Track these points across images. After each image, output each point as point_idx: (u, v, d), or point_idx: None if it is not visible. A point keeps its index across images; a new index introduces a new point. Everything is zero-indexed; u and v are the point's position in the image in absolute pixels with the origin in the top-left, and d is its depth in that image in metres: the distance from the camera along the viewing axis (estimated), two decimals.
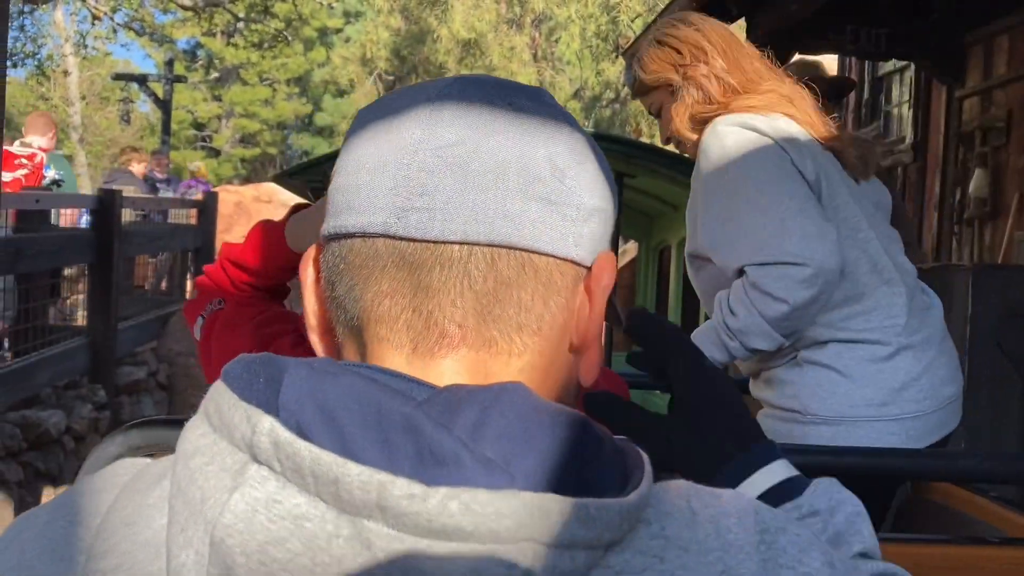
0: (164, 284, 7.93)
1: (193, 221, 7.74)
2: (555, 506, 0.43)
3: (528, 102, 0.55)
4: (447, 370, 0.52)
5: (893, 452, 1.27)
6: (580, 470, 0.46)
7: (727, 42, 1.73)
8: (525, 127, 0.54)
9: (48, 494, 4.72)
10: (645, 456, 0.49)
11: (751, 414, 0.69)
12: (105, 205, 5.39)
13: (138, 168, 8.21)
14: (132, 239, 6.05)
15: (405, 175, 0.52)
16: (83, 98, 23.80)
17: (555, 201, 0.53)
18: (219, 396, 0.47)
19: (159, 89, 16.20)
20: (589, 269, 0.56)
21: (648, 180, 3.31)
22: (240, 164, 28.29)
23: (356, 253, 0.53)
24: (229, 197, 9.55)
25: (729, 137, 1.64)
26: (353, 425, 0.44)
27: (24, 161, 5.92)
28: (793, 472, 0.66)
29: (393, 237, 0.52)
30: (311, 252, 0.58)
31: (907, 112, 6.18)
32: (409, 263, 0.52)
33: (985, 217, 5.12)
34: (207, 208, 7.79)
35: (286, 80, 28.64)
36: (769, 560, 0.49)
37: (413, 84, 0.60)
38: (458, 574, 0.42)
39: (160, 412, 5.90)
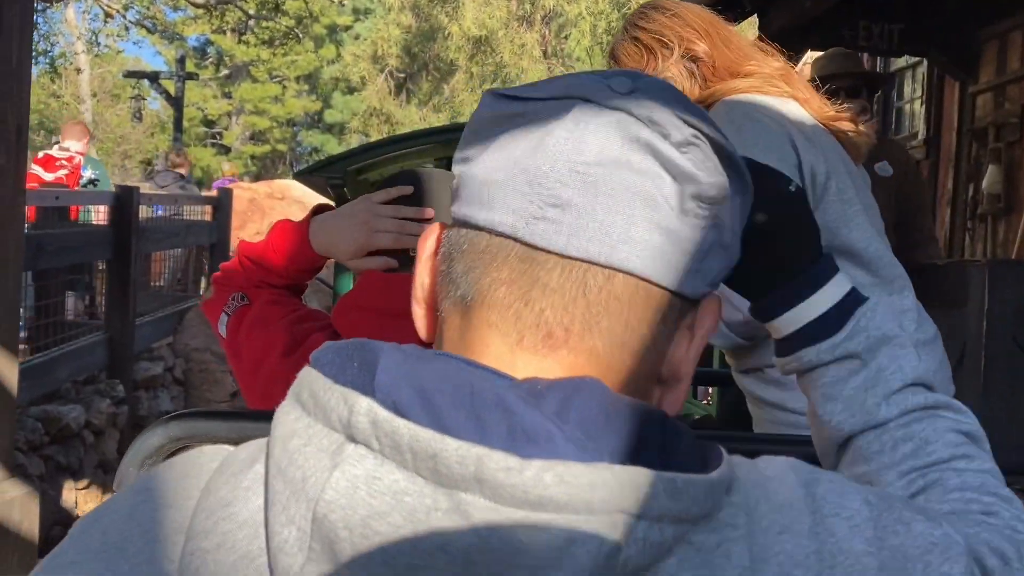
0: (180, 281, 7.99)
1: (208, 218, 7.79)
2: (645, 479, 0.45)
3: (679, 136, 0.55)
4: (546, 368, 0.53)
5: None
6: (662, 453, 0.48)
7: (707, 23, 1.60)
8: (665, 159, 0.54)
9: (69, 487, 4.77)
10: (721, 447, 0.52)
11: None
12: (122, 202, 5.44)
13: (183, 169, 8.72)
14: (149, 235, 6.10)
15: (542, 183, 0.53)
16: (94, 95, 23.89)
17: (677, 234, 0.54)
18: (312, 381, 0.48)
19: (171, 86, 16.26)
20: (695, 305, 0.58)
21: None
22: (250, 161, 28.36)
23: (482, 239, 0.55)
24: (243, 194, 9.60)
25: (742, 128, 1.54)
26: (447, 405, 0.46)
27: (64, 163, 6.75)
28: (847, 287, 0.71)
29: (519, 241, 0.53)
30: (434, 228, 0.60)
31: (920, 108, 6.18)
32: (532, 259, 0.53)
33: (999, 213, 5.12)
34: (222, 204, 7.83)
35: (296, 77, 28.66)
36: (816, 512, 0.51)
37: (564, 75, 0.60)
38: (553, 544, 0.43)
39: (177, 407, 5.95)
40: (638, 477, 0.45)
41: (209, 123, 29.64)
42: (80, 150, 7.04)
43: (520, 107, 0.56)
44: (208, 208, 7.82)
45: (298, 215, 1.44)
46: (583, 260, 0.53)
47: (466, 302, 0.55)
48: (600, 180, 0.53)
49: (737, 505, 0.50)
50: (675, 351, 0.57)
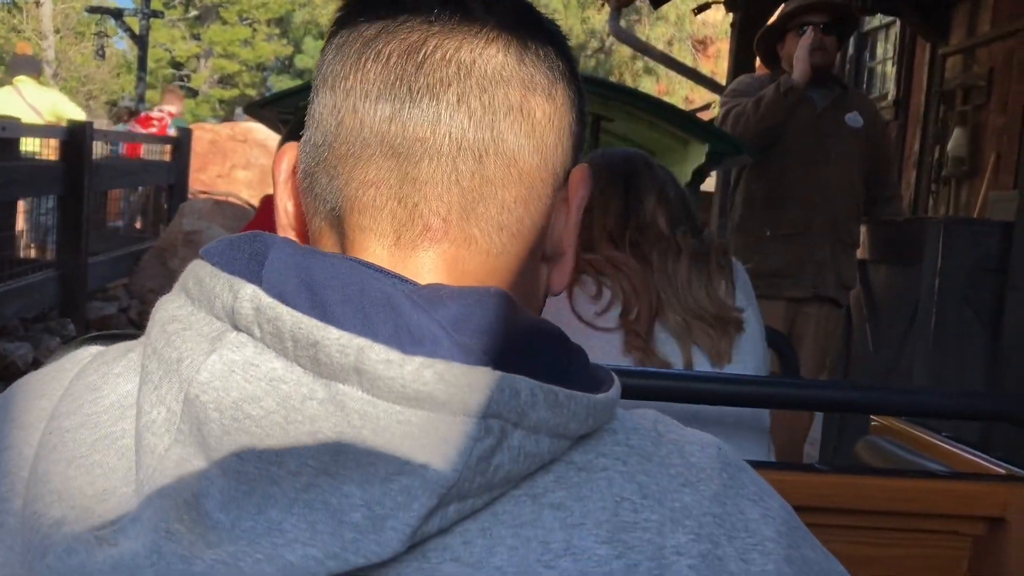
0: (138, 222, 7.84)
1: (167, 158, 7.63)
2: (526, 387, 0.45)
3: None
4: (427, 263, 0.53)
5: (843, 385, 1.27)
6: (552, 369, 0.48)
7: None
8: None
9: None
10: (615, 376, 0.52)
11: None
12: (75, 137, 5.29)
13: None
14: (103, 173, 5.96)
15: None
16: (57, 32, 23.25)
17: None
18: (199, 269, 0.48)
19: (135, 24, 15.85)
20: (566, 180, 0.58)
21: (626, 124, 3.26)
22: (218, 105, 27.87)
23: (342, 141, 0.54)
24: (204, 135, 9.40)
25: None
26: (335, 299, 0.45)
27: (155, 123, 8.49)
28: None
29: (383, 137, 0.53)
30: (286, 149, 0.59)
31: (891, 69, 6.16)
32: (397, 153, 0.53)
33: (962, 176, 5.14)
34: (181, 145, 7.67)
35: (267, 20, 28.10)
36: (731, 488, 0.50)
37: None
38: (426, 441, 0.43)
39: None
40: (519, 384, 0.45)
41: (177, 65, 29.00)
42: (173, 112, 8.74)
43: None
44: (167, 148, 7.65)
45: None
46: (452, 147, 0.53)
47: (336, 213, 0.55)
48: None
49: (629, 446, 0.49)
50: (555, 226, 0.58)
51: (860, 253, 3.38)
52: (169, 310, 0.48)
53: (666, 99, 16.28)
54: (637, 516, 0.47)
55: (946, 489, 1.22)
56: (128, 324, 6.25)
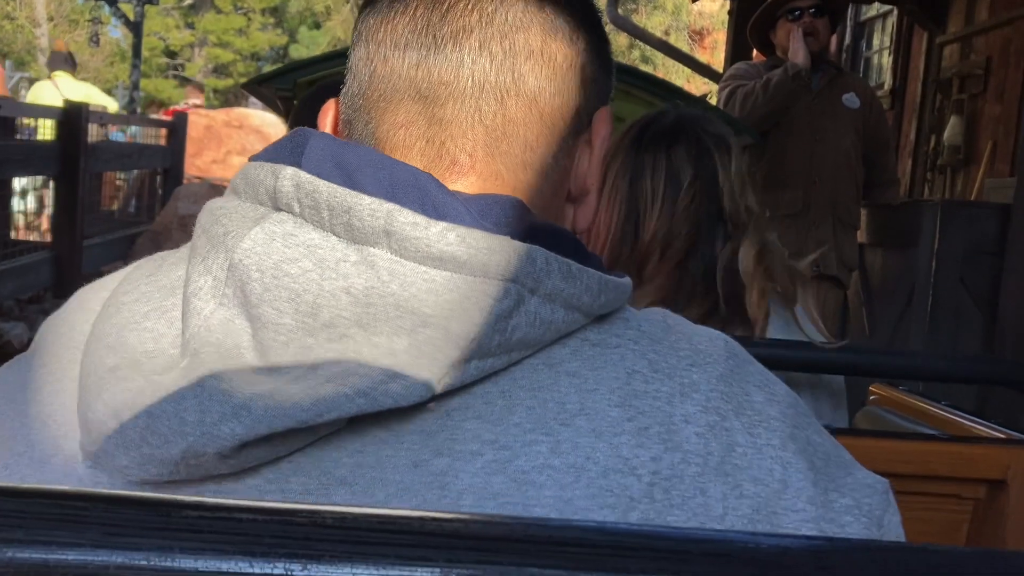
0: (133, 206, 7.81)
1: (163, 142, 7.60)
2: (541, 256, 0.49)
3: None
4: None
5: (843, 348, 1.27)
6: (568, 253, 0.51)
7: None
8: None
9: None
10: (630, 281, 0.55)
11: None
12: (71, 118, 5.27)
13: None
14: (99, 155, 5.94)
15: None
16: (51, 19, 23.11)
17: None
18: (246, 167, 0.52)
19: (130, 11, 15.76)
20: (590, 122, 0.60)
21: (624, 105, 3.26)
22: (212, 95, 27.77)
23: (374, 88, 0.57)
24: (199, 120, 9.35)
25: None
26: (367, 180, 0.49)
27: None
28: None
29: (411, 81, 0.56)
30: (329, 105, 0.62)
31: (887, 59, 6.16)
32: (424, 97, 0.56)
33: (958, 165, 5.14)
34: (177, 129, 7.64)
35: (261, 10, 27.97)
36: (737, 373, 0.53)
37: None
38: (448, 298, 0.46)
39: None
40: (535, 253, 0.48)
41: (171, 54, 28.87)
42: (199, 104, 9.92)
43: None
44: (163, 132, 7.62)
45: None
46: (475, 89, 0.56)
47: None
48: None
49: (640, 330, 0.53)
50: (578, 166, 0.60)
51: (858, 237, 3.39)
52: (217, 202, 0.52)
53: None
54: (648, 386, 0.50)
55: (947, 452, 1.23)
56: None
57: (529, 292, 0.48)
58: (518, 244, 0.48)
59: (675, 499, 0.48)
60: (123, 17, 16.11)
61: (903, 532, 0.54)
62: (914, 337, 3.03)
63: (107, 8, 17.50)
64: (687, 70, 8.65)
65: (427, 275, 0.46)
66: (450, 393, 0.48)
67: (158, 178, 7.57)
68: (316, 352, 0.46)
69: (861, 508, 0.51)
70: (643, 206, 1.31)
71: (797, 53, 3.13)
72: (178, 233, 6.18)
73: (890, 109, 5.90)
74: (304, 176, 0.48)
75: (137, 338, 0.50)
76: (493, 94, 0.56)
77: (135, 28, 15.59)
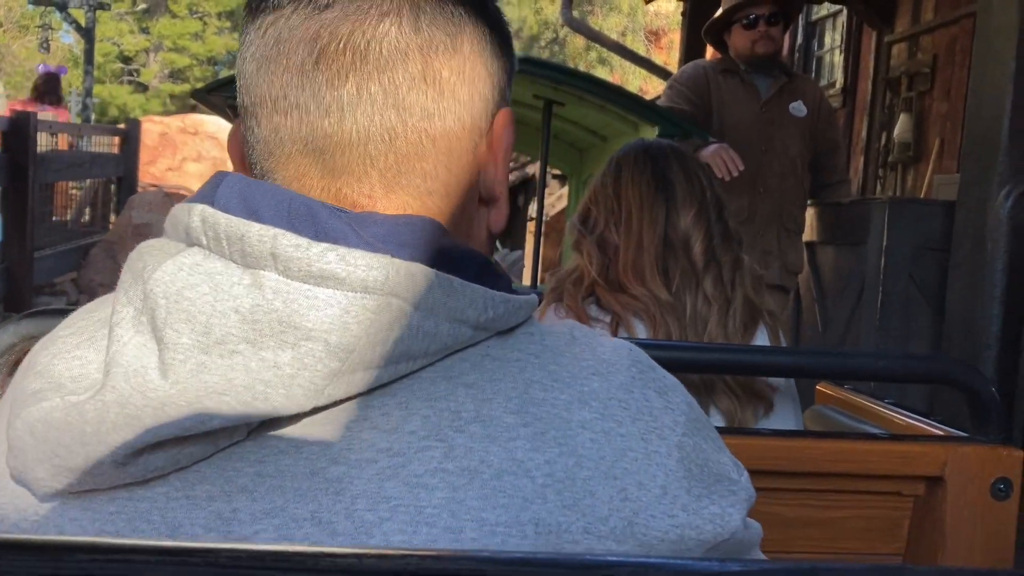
0: (87, 215, 7.68)
1: (115, 150, 7.48)
2: (421, 273, 0.51)
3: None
4: None
5: (786, 351, 1.29)
6: (466, 275, 0.53)
7: None
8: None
9: None
10: (536, 298, 0.58)
11: None
12: (19, 127, 5.17)
13: None
14: (49, 164, 5.83)
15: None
16: (0, 25, 22.68)
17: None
18: (173, 209, 0.55)
19: (81, 17, 15.50)
20: (490, 126, 0.60)
21: (577, 109, 3.28)
22: (169, 100, 27.39)
23: (264, 144, 0.58)
24: (154, 127, 9.22)
25: None
26: (266, 214, 0.52)
27: None
28: None
29: (299, 135, 0.57)
30: (236, 129, 0.63)
31: (839, 58, 6.26)
32: (312, 150, 0.57)
33: (908, 161, 5.24)
34: (130, 136, 7.52)
35: (217, 14, 27.68)
36: (638, 380, 0.56)
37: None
38: (329, 313, 0.49)
39: None
40: (415, 269, 0.50)
41: (126, 59, 28.46)
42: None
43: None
44: (116, 139, 7.50)
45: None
46: (359, 136, 0.56)
47: None
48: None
49: (544, 344, 0.55)
50: (485, 174, 0.61)
51: (808, 235, 3.43)
52: (147, 242, 0.55)
53: None
54: (546, 395, 0.53)
55: (886, 450, 1.25)
56: None
57: (411, 306, 0.50)
58: (398, 262, 0.50)
59: (567, 500, 0.51)
60: (74, 23, 15.84)
61: (757, 541, 0.59)
62: (865, 334, 3.07)
63: (58, 14, 17.19)
64: (643, 71, 8.70)
65: (309, 292, 0.49)
66: (350, 405, 0.51)
67: (112, 187, 7.45)
68: (209, 367, 0.49)
69: (723, 517, 0.55)
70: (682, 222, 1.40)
71: (718, 168, 2.89)
72: (132, 242, 6.06)
73: (842, 107, 5.99)
74: (209, 211, 0.52)
75: (65, 365, 0.54)
76: (380, 137, 0.56)
77: (87, 34, 15.34)
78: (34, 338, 1.15)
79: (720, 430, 1.28)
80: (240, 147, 0.62)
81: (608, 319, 1.35)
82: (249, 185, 0.54)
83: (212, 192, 0.54)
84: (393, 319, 0.50)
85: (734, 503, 0.56)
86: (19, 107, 6.54)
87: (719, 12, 3.48)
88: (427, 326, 0.51)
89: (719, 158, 2.87)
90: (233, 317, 0.50)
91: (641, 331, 1.34)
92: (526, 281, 3.63)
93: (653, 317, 1.34)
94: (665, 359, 1.26)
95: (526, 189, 10.99)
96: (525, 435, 0.51)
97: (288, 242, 0.50)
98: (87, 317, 0.57)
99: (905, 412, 1.45)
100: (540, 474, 0.50)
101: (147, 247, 0.54)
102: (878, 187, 5.57)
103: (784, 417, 1.42)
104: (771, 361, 1.28)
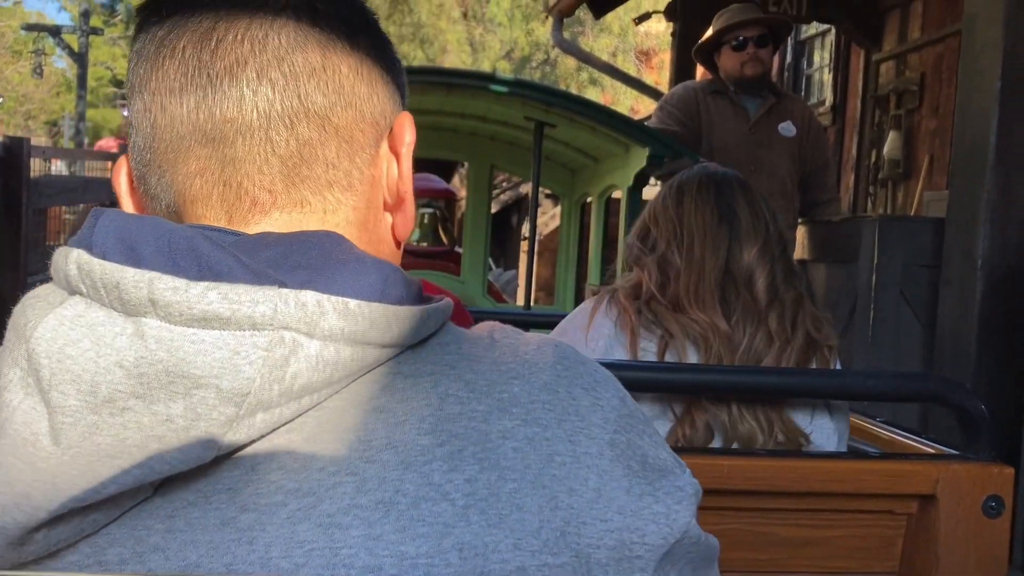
0: None
1: (108, 174, 7.48)
2: (312, 299, 0.48)
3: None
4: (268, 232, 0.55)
5: (774, 371, 1.30)
6: (369, 292, 0.50)
7: None
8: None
9: None
10: (451, 302, 0.55)
11: None
12: (12, 153, 5.17)
13: None
14: (42, 190, 5.83)
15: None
16: None
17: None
18: (55, 253, 0.52)
19: (74, 42, 15.57)
20: (391, 130, 0.59)
21: (569, 131, 3.29)
22: None
23: (159, 140, 0.56)
24: None
25: None
26: (147, 252, 0.49)
27: None
28: None
29: (195, 126, 0.55)
30: (121, 162, 0.60)
31: (828, 76, 6.31)
32: (212, 139, 0.55)
33: (898, 178, 5.28)
34: None
35: None
36: (563, 378, 0.53)
37: None
38: (217, 356, 0.46)
39: None
40: (305, 297, 0.48)
41: (119, 83, 28.52)
42: None
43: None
44: (108, 164, 7.50)
45: None
46: (261, 120, 0.54)
47: (172, 209, 0.57)
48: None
49: (460, 352, 0.53)
50: (388, 175, 0.59)
51: (799, 253, 3.44)
52: (33, 291, 0.52)
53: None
54: (463, 407, 0.50)
55: (878, 469, 1.25)
56: None
57: (305, 336, 0.48)
58: (286, 292, 0.47)
59: (492, 519, 0.48)
60: (67, 48, 15.90)
61: (700, 536, 0.55)
62: (857, 350, 3.08)
63: (51, 39, 17.26)
64: (634, 91, 8.75)
65: (194, 336, 0.47)
66: (255, 447, 0.49)
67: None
68: (101, 429, 0.47)
69: (669, 516, 0.52)
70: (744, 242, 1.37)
71: None
72: None
73: (831, 125, 6.03)
74: (84, 257, 0.49)
75: None
76: (282, 121, 0.55)
77: (80, 59, 15.40)
78: None
79: (716, 451, 1.29)
80: (128, 171, 0.60)
81: (658, 335, 1.33)
82: (127, 221, 0.50)
83: (89, 234, 0.50)
84: (288, 353, 0.47)
85: (680, 499, 0.52)
86: None
87: (709, 33, 3.51)
88: (326, 355, 0.48)
89: None
90: (118, 372, 0.47)
91: (692, 355, 1.32)
92: (520, 301, 3.62)
93: (709, 344, 1.31)
94: (663, 381, 1.27)
95: (519, 208, 11.00)
96: (441, 455, 0.48)
97: (165, 285, 0.47)
98: None
99: (897, 430, 1.46)
100: (460, 495, 0.48)
101: (31, 298, 0.51)
102: (869, 204, 5.60)
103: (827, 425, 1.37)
104: (760, 381, 1.29)
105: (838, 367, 1.41)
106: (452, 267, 5.11)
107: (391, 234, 0.61)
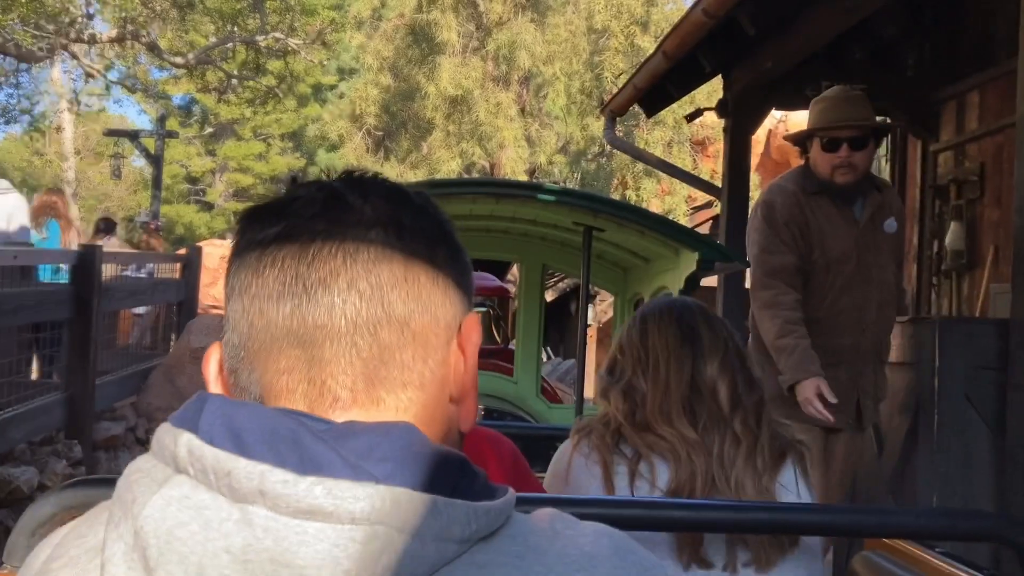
0: (148, 339, 7.91)
1: (176, 275, 7.75)
2: (406, 497, 0.53)
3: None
4: None
5: (821, 508, 1.26)
6: (446, 485, 0.55)
7: None
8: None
9: None
10: (514, 492, 0.59)
11: None
12: (85, 260, 5.39)
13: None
14: (113, 293, 6.05)
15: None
16: (78, 153, 23.96)
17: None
18: (159, 430, 0.57)
19: (150, 144, 16.32)
20: (459, 329, 0.65)
21: (618, 233, 3.31)
22: (233, 218, 28.40)
23: (254, 340, 0.62)
24: (215, 251, 9.57)
25: None
26: (253, 440, 0.54)
27: None
28: None
29: (289, 329, 0.61)
30: (211, 350, 0.66)
31: (885, 165, 6.26)
32: (302, 342, 0.61)
33: (962, 269, 5.15)
34: (191, 262, 7.80)
35: (280, 135, 28.89)
36: (620, 568, 0.58)
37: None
38: (319, 548, 0.51)
39: None
40: (400, 495, 0.52)
41: (193, 180, 29.72)
42: None
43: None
44: (177, 265, 7.77)
45: None
46: (348, 327, 0.60)
47: (259, 400, 0.62)
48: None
49: (527, 544, 0.57)
50: (455, 372, 0.65)
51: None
52: (136, 463, 0.56)
53: (668, 198, 16.39)
54: None
55: None
56: (135, 443, 6.24)
57: (397, 532, 0.52)
58: (383, 489, 0.52)
59: None
60: (145, 150, 16.68)
61: None
62: (922, 457, 2.97)
63: (129, 141, 18.13)
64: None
65: (299, 528, 0.51)
66: None
67: (173, 310, 7.68)
68: None
69: None
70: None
71: (809, 412, 2.75)
72: (191, 366, 6.22)
73: None
74: (195, 443, 0.54)
75: None
76: (367, 328, 0.60)
77: (155, 161, 16.11)
78: (74, 509, 1.16)
79: None
80: (219, 361, 0.65)
81: (628, 458, 1.43)
82: (233, 409, 0.55)
83: (196, 416, 0.55)
84: (381, 547, 0.51)
85: None
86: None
87: (803, 129, 3.17)
88: (414, 549, 0.52)
89: (811, 408, 2.71)
90: (224, 557, 0.51)
91: (663, 470, 1.41)
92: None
93: (678, 456, 1.40)
94: (697, 520, 1.25)
95: (576, 297, 11.03)
96: None
97: (276, 478, 0.51)
98: (79, 544, 0.58)
99: (955, 563, 1.39)
100: None
101: (135, 472, 0.55)
102: (932, 295, 5.47)
103: (806, 555, 1.43)
104: (804, 520, 1.25)
105: (808, 467, 1.49)
106: (505, 366, 5.11)
107: (456, 424, 0.66)
